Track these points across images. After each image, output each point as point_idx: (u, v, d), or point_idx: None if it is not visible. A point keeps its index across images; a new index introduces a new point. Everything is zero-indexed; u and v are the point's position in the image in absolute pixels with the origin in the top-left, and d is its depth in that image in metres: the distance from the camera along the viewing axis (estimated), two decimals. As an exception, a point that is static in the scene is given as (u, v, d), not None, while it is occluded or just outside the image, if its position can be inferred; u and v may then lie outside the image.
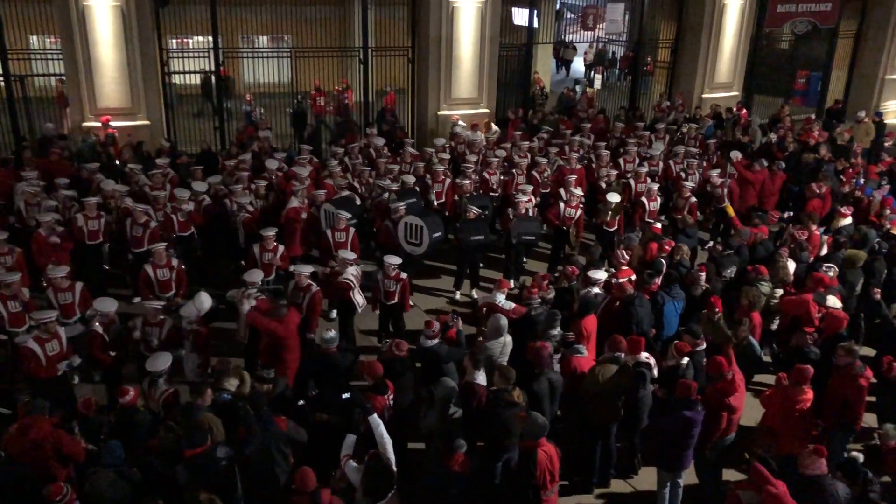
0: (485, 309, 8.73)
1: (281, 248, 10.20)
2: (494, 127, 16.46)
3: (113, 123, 14.31)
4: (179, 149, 15.12)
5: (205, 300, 8.43)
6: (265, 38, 20.21)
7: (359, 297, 9.54)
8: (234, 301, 8.86)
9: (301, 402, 7.12)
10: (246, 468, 6.29)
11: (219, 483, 5.87)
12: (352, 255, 9.78)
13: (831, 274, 9.58)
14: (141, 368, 7.98)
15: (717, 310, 8.47)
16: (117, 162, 13.51)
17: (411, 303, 10.19)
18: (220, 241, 11.67)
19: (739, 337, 7.99)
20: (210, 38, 16.06)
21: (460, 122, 16.39)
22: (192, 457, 5.87)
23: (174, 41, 16.88)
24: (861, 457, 6.05)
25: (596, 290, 8.98)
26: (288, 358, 8.03)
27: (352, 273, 9.48)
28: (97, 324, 8.02)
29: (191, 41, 17.71)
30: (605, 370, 7.19)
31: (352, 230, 10.63)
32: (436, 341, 7.70)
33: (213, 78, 19.33)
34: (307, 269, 9.08)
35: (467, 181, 12.54)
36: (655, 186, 12.61)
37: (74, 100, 14.66)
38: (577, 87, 22.75)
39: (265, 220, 11.14)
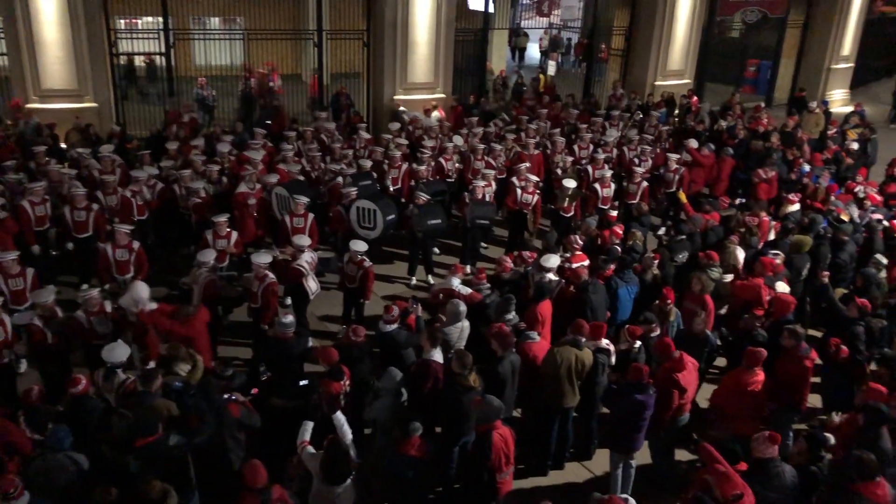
0: (441, 295, 8.75)
1: (234, 234, 10.09)
2: (436, 113, 16.31)
3: (59, 106, 13.92)
4: (129, 132, 14.79)
5: (141, 289, 8.25)
6: (217, 19, 19.87)
7: (312, 284, 9.47)
8: (189, 286, 8.77)
9: (254, 391, 7.06)
10: (199, 455, 6.22)
11: (172, 472, 5.80)
12: (307, 241, 9.68)
13: (778, 260, 9.80)
14: (88, 357, 7.86)
15: (668, 300, 8.56)
16: (63, 145, 13.15)
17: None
18: (171, 227, 11.50)
19: (696, 331, 8.04)
20: (160, 19, 15.70)
21: (402, 108, 16.37)
22: (143, 446, 5.79)
23: (122, 21, 16.48)
24: (832, 440, 6.21)
25: (550, 275, 9.06)
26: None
27: (306, 260, 9.40)
28: (36, 317, 7.76)
29: (140, 21, 17.30)
30: (565, 353, 7.26)
31: (311, 216, 10.53)
32: (394, 326, 7.70)
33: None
34: (265, 259, 8.91)
35: (423, 167, 12.52)
36: (608, 173, 12.74)
37: (17, 81, 14.21)
38: (520, 73, 22.51)
39: (219, 205, 10.99)
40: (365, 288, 9.61)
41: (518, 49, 29.96)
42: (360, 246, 9.54)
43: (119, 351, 7.00)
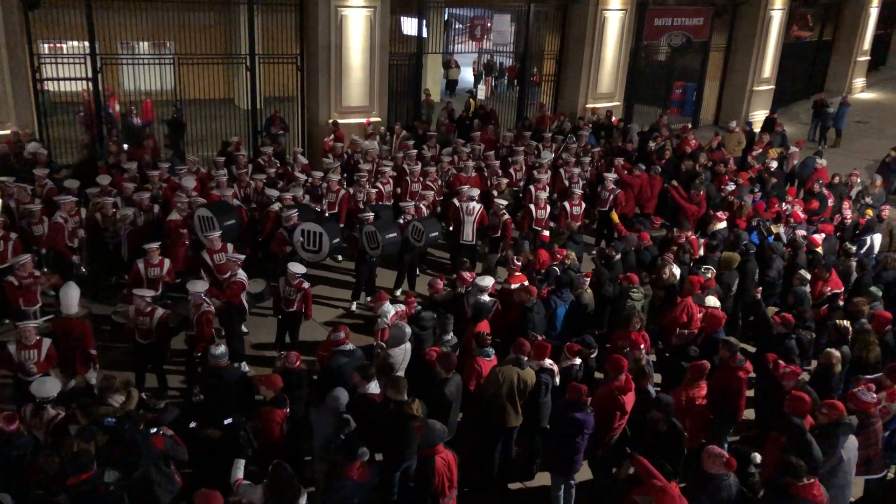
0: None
1: (167, 261, 9.88)
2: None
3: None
4: (55, 159, 14.35)
5: (70, 291, 8.10)
6: (146, 43, 19.46)
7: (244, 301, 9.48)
8: (120, 320, 8.58)
9: (193, 424, 6.88)
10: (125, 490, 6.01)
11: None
12: (240, 256, 9.67)
13: (709, 276, 10.06)
14: (16, 391, 7.61)
15: (642, 346, 8.18)
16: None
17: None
18: (100, 255, 11.21)
19: (643, 384, 7.67)
20: (86, 44, 15.31)
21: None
22: (75, 484, 5.56)
23: (46, 46, 16.02)
24: (758, 458, 6.39)
25: (486, 296, 9.11)
26: None
27: (243, 274, 9.41)
28: None
29: (65, 46, 16.83)
30: (507, 372, 7.29)
31: (230, 247, 10.35)
32: (350, 346, 7.71)
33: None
34: (201, 288, 8.76)
35: (374, 190, 12.58)
36: (543, 195, 12.91)
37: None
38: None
39: (150, 233, 10.73)
40: (306, 309, 9.60)
41: (449, 80, 30.01)
42: (297, 268, 9.52)
43: (49, 385, 6.78)
